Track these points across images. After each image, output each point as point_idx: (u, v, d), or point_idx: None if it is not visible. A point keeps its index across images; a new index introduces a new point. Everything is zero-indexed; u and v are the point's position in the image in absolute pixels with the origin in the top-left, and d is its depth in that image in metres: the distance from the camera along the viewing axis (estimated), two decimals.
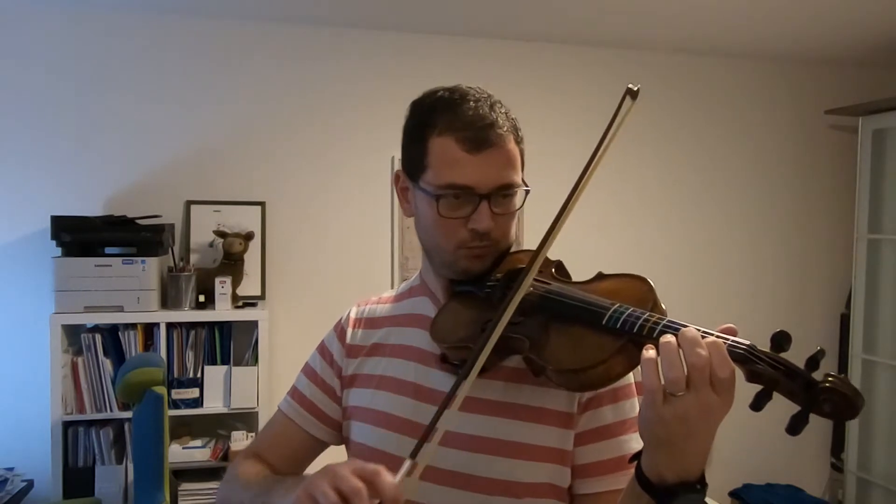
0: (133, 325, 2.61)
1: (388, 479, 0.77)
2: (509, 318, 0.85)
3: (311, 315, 3.00)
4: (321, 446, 1.14)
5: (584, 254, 3.26)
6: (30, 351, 2.74)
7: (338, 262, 3.06)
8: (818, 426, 3.62)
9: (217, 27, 2.94)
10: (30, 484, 2.62)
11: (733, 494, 3.50)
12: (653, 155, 3.42)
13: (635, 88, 0.89)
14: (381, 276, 3.07)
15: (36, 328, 2.69)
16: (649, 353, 0.72)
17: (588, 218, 3.34)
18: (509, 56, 3.20)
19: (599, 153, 0.88)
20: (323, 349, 1.15)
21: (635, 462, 0.79)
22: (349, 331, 1.12)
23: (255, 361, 2.73)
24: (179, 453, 2.63)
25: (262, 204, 2.97)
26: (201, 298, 2.72)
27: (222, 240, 2.80)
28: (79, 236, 2.58)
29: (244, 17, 2.93)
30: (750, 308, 3.52)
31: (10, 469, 2.66)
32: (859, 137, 3.30)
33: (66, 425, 2.56)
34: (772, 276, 3.60)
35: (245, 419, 2.75)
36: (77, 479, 2.57)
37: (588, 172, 0.88)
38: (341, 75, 3.06)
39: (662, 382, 0.71)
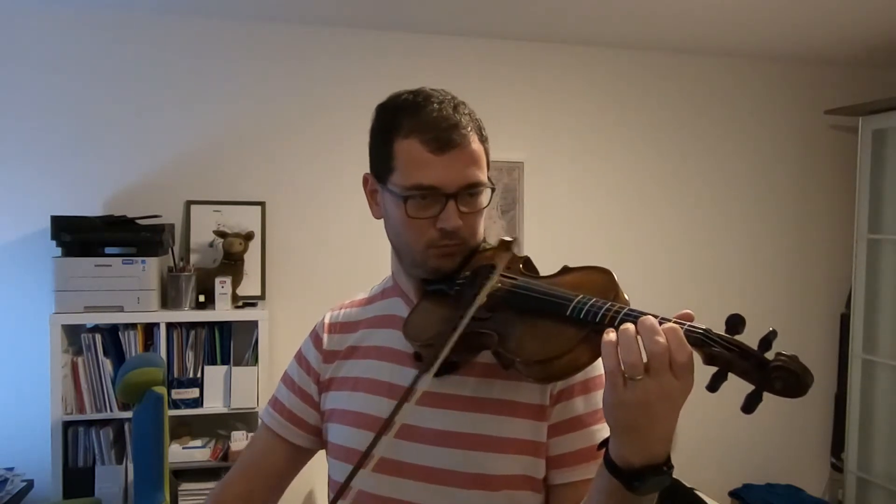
0: (133, 325, 2.61)
1: None
2: (471, 316, 0.88)
3: (311, 315, 2.96)
4: (305, 454, 1.16)
5: (583, 253, 3.28)
6: (30, 351, 2.74)
7: (338, 262, 3.06)
8: (818, 426, 3.64)
9: (217, 27, 2.94)
10: (30, 484, 2.62)
11: (733, 494, 3.50)
12: (652, 155, 3.42)
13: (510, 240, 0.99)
14: (381, 275, 3.04)
15: (36, 328, 2.69)
16: (609, 336, 0.75)
17: (588, 217, 3.34)
18: (509, 56, 3.20)
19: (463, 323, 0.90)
20: (300, 357, 1.18)
21: (603, 448, 0.81)
22: (325, 336, 1.15)
23: (255, 361, 2.73)
24: (179, 453, 2.63)
25: (262, 204, 2.97)
26: (201, 298, 2.72)
27: (222, 240, 2.80)
28: (79, 236, 2.58)
29: (244, 17, 2.93)
30: (750, 308, 3.52)
31: (10, 469, 2.66)
32: (859, 137, 3.30)
33: (66, 425, 2.56)
34: (772, 276, 3.60)
35: (245, 419, 2.75)
36: (77, 479, 2.56)
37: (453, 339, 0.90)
38: (341, 75, 3.06)
39: (622, 367, 0.73)
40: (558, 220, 3.28)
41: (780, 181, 3.59)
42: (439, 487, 0.97)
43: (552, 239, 3.25)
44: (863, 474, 3.31)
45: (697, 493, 2.91)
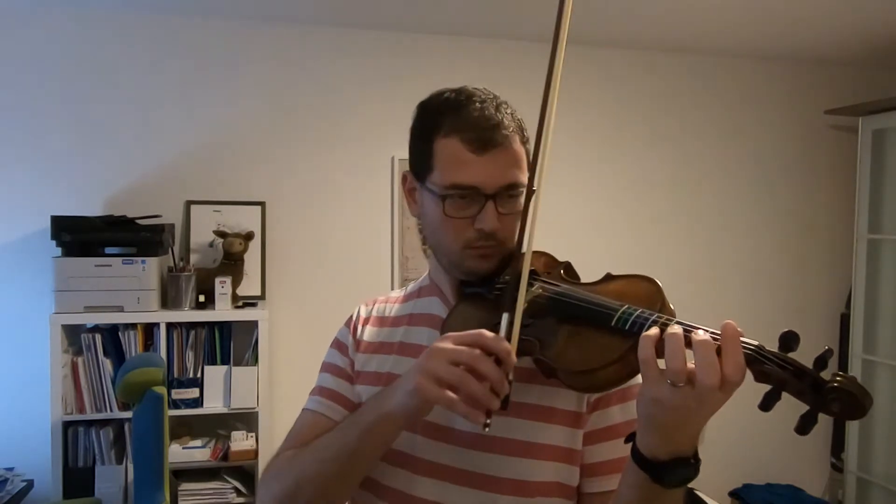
0: (133, 325, 2.61)
1: (493, 336, 0.83)
2: (524, 321, 0.87)
3: (311, 315, 3.00)
4: None
5: (583, 254, 3.26)
6: (30, 351, 2.74)
7: (338, 262, 3.06)
8: (818, 426, 3.62)
9: (217, 27, 2.94)
10: (30, 484, 2.62)
11: (733, 494, 3.50)
12: (653, 155, 3.41)
13: None
14: (382, 275, 3.07)
15: (36, 328, 2.69)
16: (650, 332, 0.75)
17: (587, 218, 3.34)
18: (509, 56, 3.20)
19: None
20: (339, 344, 1.15)
21: (631, 442, 0.81)
22: (360, 328, 1.13)
23: (255, 361, 2.73)
24: (179, 453, 2.63)
25: (262, 204, 2.97)
26: (201, 298, 2.72)
27: (222, 240, 2.80)
28: (79, 236, 2.58)
29: (244, 17, 2.93)
30: (750, 308, 3.53)
31: (10, 469, 2.66)
32: (859, 137, 3.30)
33: (66, 425, 2.56)
34: (772, 276, 3.60)
35: (245, 419, 2.75)
36: (77, 479, 2.57)
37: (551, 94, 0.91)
38: (341, 75, 3.06)
39: (664, 369, 0.73)
40: (558, 219, 3.27)
41: (780, 181, 3.59)
42: (475, 491, 0.96)
43: (552, 239, 3.23)
44: (863, 474, 3.31)
45: (697, 493, 2.91)
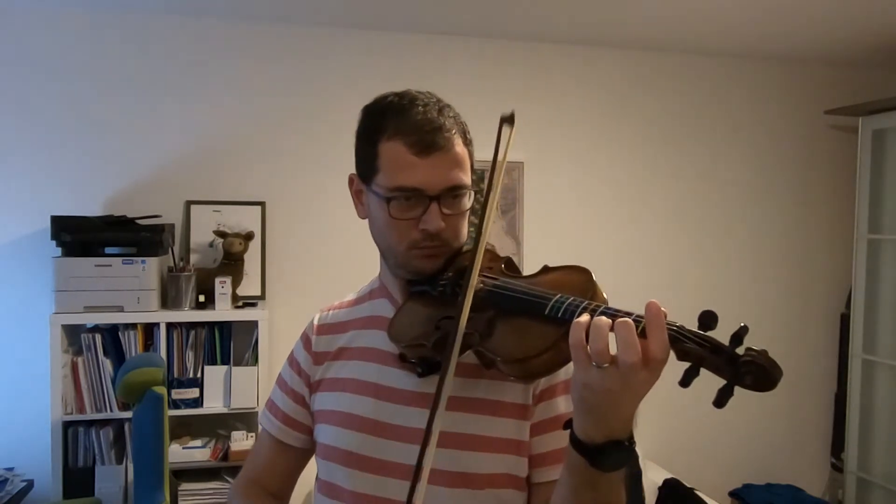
0: (133, 325, 2.61)
1: None
2: (467, 317, 0.89)
3: (311, 315, 3.00)
4: (307, 454, 1.18)
5: (583, 253, 3.28)
6: (30, 351, 2.74)
7: (338, 263, 3.06)
8: (818, 426, 3.64)
9: (217, 27, 2.94)
10: (30, 484, 2.62)
11: (733, 494, 3.50)
12: (652, 155, 3.42)
13: (509, 114, 0.96)
14: None
15: (36, 328, 2.69)
16: (580, 318, 0.77)
17: (588, 217, 3.34)
18: (508, 56, 3.20)
19: (494, 184, 0.93)
20: (292, 360, 1.19)
21: (569, 428, 0.83)
22: (314, 338, 1.16)
23: (255, 361, 2.73)
24: (179, 453, 2.63)
25: (262, 204, 2.97)
26: (201, 298, 2.72)
27: (222, 240, 2.80)
28: (79, 236, 2.58)
29: (244, 17, 2.93)
30: (750, 308, 3.53)
31: (10, 469, 2.66)
32: (859, 137, 3.30)
33: (66, 425, 2.56)
34: (772, 276, 3.60)
35: (245, 419, 2.75)
36: (77, 479, 2.57)
37: (488, 205, 0.92)
38: (341, 75, 3.06)
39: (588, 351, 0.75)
40: (558, 220, 3.27)
41: (780, 181, 3.59)
42: (426, 486, 0.97)
43: (552, 239, 3.25)
44: (863, 474, 3.31)
45: (697, 493, 2.91)
